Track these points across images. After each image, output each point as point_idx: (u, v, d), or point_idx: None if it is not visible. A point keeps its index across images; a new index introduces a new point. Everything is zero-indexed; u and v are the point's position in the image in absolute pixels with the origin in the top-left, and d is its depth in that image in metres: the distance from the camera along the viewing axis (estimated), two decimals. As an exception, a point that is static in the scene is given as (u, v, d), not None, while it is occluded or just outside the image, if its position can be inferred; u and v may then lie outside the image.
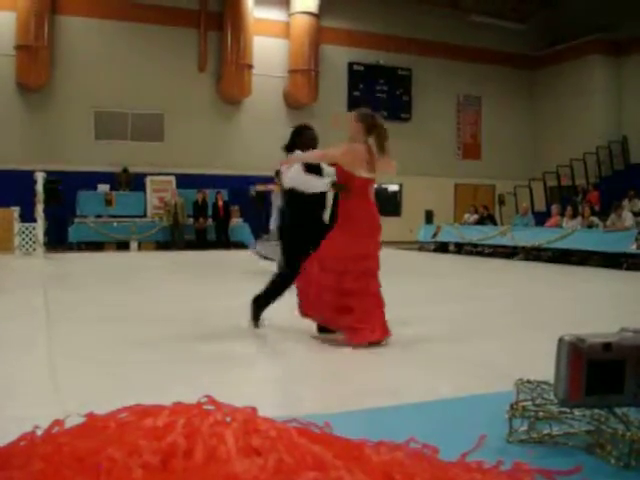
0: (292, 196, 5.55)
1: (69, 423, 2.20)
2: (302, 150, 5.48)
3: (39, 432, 2.18)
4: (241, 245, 19.12)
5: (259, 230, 19.91)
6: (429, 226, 20.01)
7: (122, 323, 6.21)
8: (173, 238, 18.50)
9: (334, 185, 5.28)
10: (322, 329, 5.43)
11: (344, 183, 5.15)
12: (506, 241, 16.09)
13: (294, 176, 5.42)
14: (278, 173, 12.18)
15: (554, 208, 17.15)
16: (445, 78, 23.95)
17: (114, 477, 1.68)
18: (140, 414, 2.05)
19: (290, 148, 5.62)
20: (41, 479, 1.73)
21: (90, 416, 2.14)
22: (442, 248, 18.79)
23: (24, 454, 1.97)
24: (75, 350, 4.97)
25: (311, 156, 5.41)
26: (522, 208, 18.15)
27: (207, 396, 2.15)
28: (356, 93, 22.78)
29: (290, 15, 21.58)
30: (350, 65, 22.98)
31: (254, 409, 2.00)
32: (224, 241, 18.86)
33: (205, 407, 2.06)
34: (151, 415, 2.00)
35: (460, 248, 18.11)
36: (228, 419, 1.95)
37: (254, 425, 1.87)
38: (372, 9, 22.62)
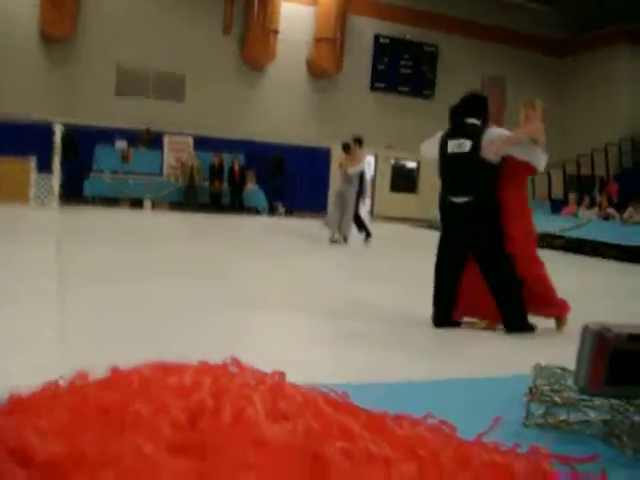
0: (489, 172, 5.07)
1: (91, 376, 2.20)
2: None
3: (62, 383, 2.19)
4: (255, 210, 19.10)
5: (274, 197, 19.90)
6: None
7: (135, 279, 6.22)
8: (187, 199, 18.47)
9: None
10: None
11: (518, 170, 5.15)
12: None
13: (524, 147, 5.14)
14: (346, 146, 11.86)
15: (571, 196, 17.00)
16: (471, 58, 23.57)
17: (141, 432, 1.67)
18: (165, 372, 2.05)
19: (468, 114, 5.29)
20: (68, 430, 1.73)
21: (114, 370, 2.13)
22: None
23: (49, 404, 1.97)
24: (87, 303, 4.98)
25: (523, 138, 5.23)
26: (539, 194, 18.00)
27: (232, 358, 2.15)
28: (381, 67, 22.54)
29: (319, -19, 21.30)
30: (376, 37, 22.64)
31: (282, 374, 1.99)
32: (238, 206, 18.83)
33: (230, 368, 2.06)
34: (176, 373, 2.00)
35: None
36: (253, 382, 1.95)
37: (281, 390, 1.86)
38: (403, -19, 22.28)
